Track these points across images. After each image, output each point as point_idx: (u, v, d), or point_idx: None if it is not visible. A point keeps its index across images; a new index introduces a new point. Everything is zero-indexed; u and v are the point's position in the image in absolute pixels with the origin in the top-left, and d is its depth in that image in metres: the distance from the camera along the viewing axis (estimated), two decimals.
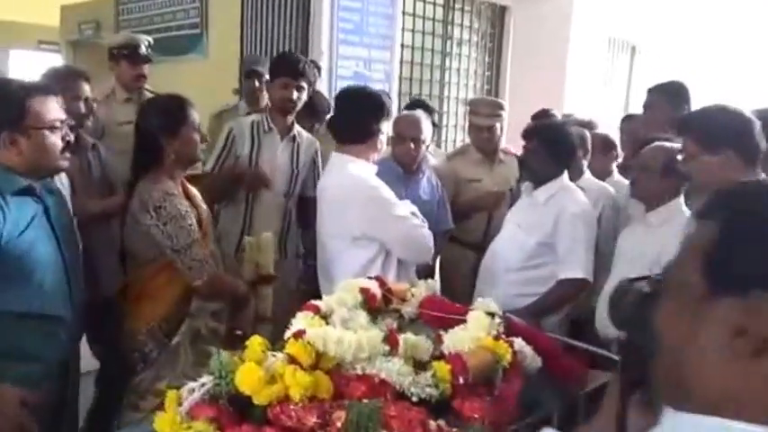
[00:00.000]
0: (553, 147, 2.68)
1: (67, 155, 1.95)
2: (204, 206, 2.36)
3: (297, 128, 3.15)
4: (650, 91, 3.40)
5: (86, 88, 2.80)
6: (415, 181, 3.09)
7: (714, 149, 1.94)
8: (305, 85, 3.05)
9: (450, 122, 6.13)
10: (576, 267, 2.59)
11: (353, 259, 2.42)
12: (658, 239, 2.49)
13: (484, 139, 3.56)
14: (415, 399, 1.48)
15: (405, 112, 3.17)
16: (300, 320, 1.63)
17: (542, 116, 4.24)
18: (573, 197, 2.67)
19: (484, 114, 3.53)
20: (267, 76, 3.53)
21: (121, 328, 2.22)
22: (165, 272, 2.17)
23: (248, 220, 3.07)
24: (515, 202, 2.98)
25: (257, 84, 3.69)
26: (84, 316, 2.10)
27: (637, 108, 7.47)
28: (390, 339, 1.55)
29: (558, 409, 2.02)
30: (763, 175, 2.03)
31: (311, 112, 3.59)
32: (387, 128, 2.54)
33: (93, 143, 2.87)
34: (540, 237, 2.61)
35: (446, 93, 6.08)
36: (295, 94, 3.00)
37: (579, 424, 2.18)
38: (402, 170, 2.94)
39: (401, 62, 5.35)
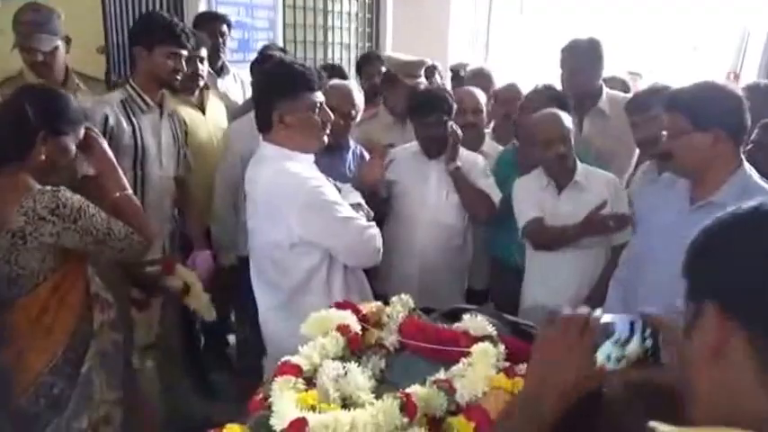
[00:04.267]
0: None
1: None
2: None
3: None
4: (566, 50, 3.18)
5: None
6: (339, 157, 2.73)
7: (705, 127, 1.81)
8: (186, 53, 2.62)
9: None
10: None
11: (295, 268, 2.06)
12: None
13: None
14: None
15: (335, 81, 2.73)
16: (283, 392, 1.24)
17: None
18: None
19: (418, 76, 3.29)
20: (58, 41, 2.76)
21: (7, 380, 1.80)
22: (55, 295, 1.82)
23: None
24: None
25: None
26: None
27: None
28: (408, 408, 1.22)
29: None
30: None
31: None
32: (299, 108, 2.07)
33: None
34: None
35: (330, 38, 5.65)
36: (183, 66, 2.62)
37: None
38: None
39: (284, 7, 4.80)
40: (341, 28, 5.76)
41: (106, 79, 3.71)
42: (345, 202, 2.11)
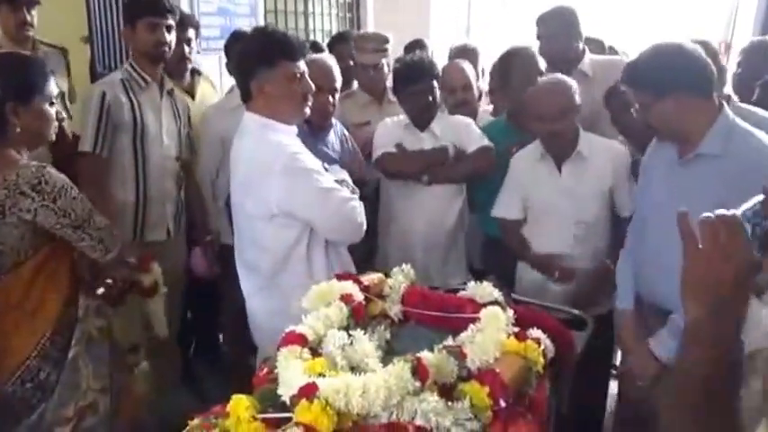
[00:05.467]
0: None
1: None
2: None
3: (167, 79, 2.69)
4: (540, 20, 3.06)
5: None
6: (322, 137, 2.61)
7: (665, 94, 1.80)
8: (173, 23, 2.57)
9: None
10: None
11: (274, 244, 1.98)
12: None
13: (371, 78, 3.18)
14: None
15: (314, 56, 2.64)
16: (290, 361, 1.19)
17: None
18: None
19: (369, 50, 3.15)
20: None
21: None
22: (39, 276, 1.77)
23: (142, 192, 2.57)
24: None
25: (27, 14, 2.83)
26: None
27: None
28: (420, 372, 1.17)
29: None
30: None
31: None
32: (278, 76, 1.98)
33: None
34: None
35: (311, 25, 5.58)
36: (167, 36, 2.54)
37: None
38: (308, 125, 2.44)
39: None
40: (322, 14, 5.69)
41: (91, 69, 3.63)
42: (327, 174, 2.03)
